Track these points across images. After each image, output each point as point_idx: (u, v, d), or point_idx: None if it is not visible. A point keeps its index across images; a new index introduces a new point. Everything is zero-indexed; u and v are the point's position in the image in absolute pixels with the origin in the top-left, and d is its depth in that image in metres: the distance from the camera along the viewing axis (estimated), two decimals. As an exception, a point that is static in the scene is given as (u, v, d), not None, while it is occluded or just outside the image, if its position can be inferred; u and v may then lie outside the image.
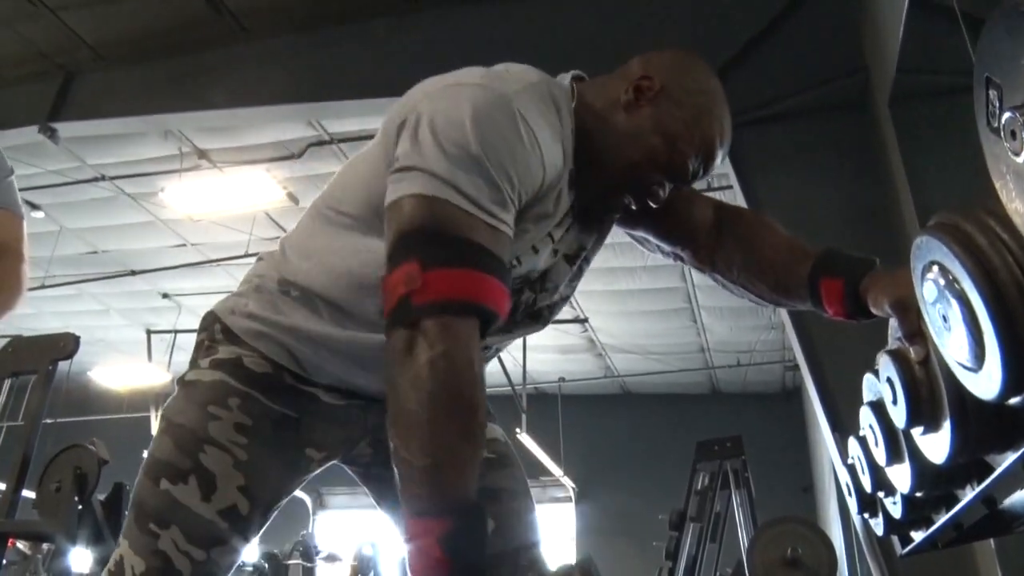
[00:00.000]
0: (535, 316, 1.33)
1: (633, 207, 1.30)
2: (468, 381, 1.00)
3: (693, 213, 1.47)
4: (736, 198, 4.27)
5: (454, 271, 1.02)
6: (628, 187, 1.27)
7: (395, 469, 1.00)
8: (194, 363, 1.31)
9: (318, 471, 1.37)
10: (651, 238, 1.51)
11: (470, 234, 1.04)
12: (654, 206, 1.30)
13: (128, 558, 1.20)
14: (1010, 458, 0.97)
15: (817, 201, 4.02)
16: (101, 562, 3.58)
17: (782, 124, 4.19)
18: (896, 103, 3.69)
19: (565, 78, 1.31)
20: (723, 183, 5.66)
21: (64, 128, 5.59)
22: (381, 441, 1.35)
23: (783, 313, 4.28)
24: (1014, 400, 0.84)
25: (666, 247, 1.50)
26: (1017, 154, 0.65)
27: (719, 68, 4.10)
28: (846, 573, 6.31)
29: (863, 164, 4.05)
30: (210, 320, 1.34)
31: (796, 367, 7.91)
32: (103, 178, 6.61)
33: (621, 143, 1.25)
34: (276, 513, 1.31)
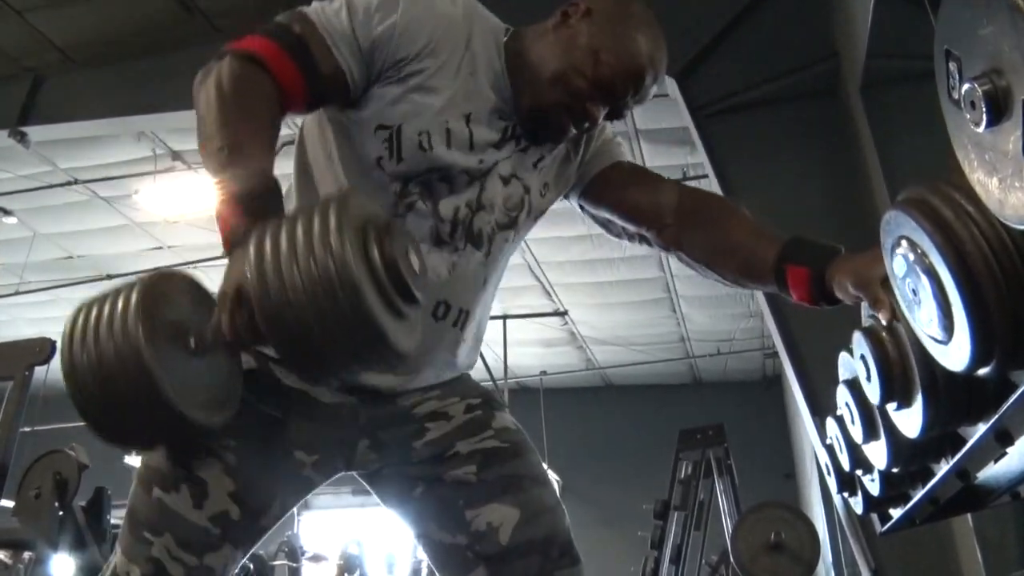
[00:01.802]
0: (475, 241, 1.33)
1: (573, 129, 1.34)
2: (246, 94, 1.17)
3: (657, 195, 1.48)
4: (711, 186, 4.29)
5: (265, 39, 1.22)
6: (560, 104, 1.30)
7: (203, 164, 1.16)
8: None
9: (326, 482, 1.35)
10: (616, 219, 1.51)
11: (302, 33, 1.22)
12: (589, 126, 1.35)
13: (122, 566, 1.21)
14: (981, 430, 0.99)
15: (791, 188, 4.04)
16: (84, 569, 3.55)
17: (755, 112, 4.22)
18: (867, 89, 3.73)
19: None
20: (698, 172, 5.68)
21: (34, 132, 5.52)
22: (382, 442, 1.35)
23: (761, 301, 4.31)
24: (983, 371, 0.86)
25: (631, 228, 1.50)
26: (977, 125, 0.66)
27: (692, 57, 4.13)
28: (829, 556, 6.37)
29: (836, 150, 4.08)
30: None
31: (776, 355, 7.97)
32: (76, 182, 6.54)
33: (547, 59, 1.31)
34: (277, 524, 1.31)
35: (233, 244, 1.04)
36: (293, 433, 1.28)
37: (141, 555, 1.19)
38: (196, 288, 1.10)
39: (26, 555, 3.90)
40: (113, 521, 3.76)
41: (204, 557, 1.20)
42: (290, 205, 1.30)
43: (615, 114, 1.36)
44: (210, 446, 1.21)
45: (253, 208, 1.06)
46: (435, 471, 1.35)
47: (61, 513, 3.55)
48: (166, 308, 1.02)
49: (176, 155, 6.31)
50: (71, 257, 7.90)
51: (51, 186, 6.54)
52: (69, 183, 6.56)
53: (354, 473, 1.41)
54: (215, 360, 1.07)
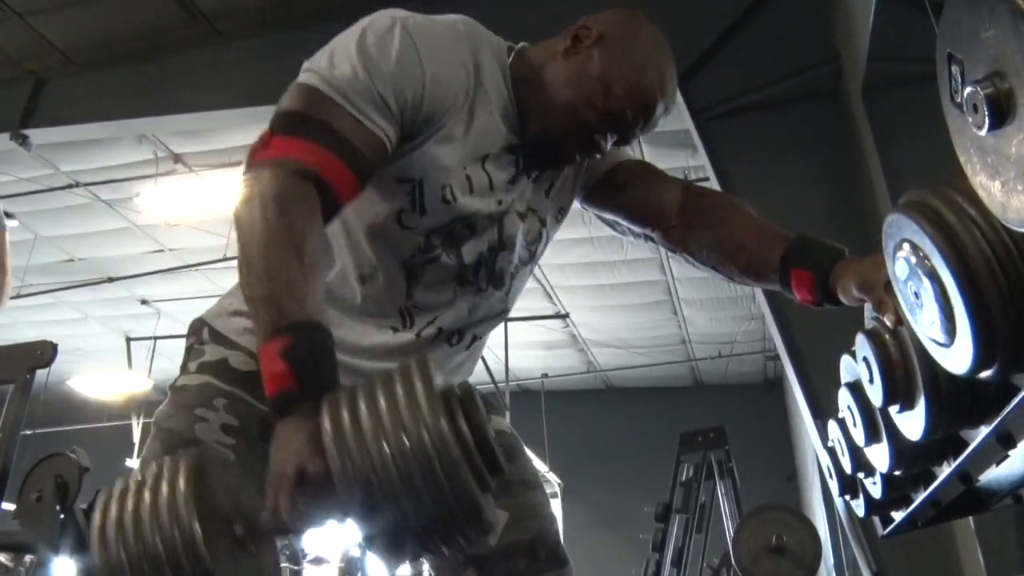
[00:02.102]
0: (497, 281, 1.34)
1: (578, 158, 1.32)
2: (294, 222, 1.06)
3: (663, 194, 1.47)
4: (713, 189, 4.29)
5: (297, 140, 1.11)
6: (569, 134, 1.28)
7: (247, 306, 1.08)
8: (183, 368, 1.33)
9: None
10: (621, 220, 1.51)
11: (326, 117, 1.13)
12: (598, 156, 1.34)
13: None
14: (983, 432, 0.99)
15: (792, 190, 4.04)
16: (85, 572, 3.55)
17: (756, 115, 4.21)
18: (868, 92, 3.72)
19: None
20: (699, 175, 5.68)
21: (36, 135, 5.52)
22: None
23: (763, 303, 4.30)
24: (985, 374, 0.86)
25: (636, 228, 1.51)
26: (979, 128, 0.66)
27: (693, 60, 4.12)
28: (831, 559, 6.37)
29: (837, 153, 4.07)
30: (198, 325, 1.36)
31: (777, 357, 7.96)
32: (77, 185, 6.55)
33: (557, 87, 1.28)
34: None
35: (284, 411, 0.98)
36: None
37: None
38: (234, 467, 1.06)
39: (27, 558, 3.89)
40: (114, 524, 3.75)
41: None
42: None
43: (623, 142, 1.35)
44: (208, 444, 1.21)
45: (308, 371, 0.98)
46: None
47: (62, 516, 3.55)
48: (212, 493, 0.95)
49: (177, 158, 6.31)
50: (72, 260, 7.90)
51: (52, 189, 6.55)
52: (70, 186, 6.56)
53: None
54: (262, 548, 1.00)
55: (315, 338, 1.01)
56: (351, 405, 0.90)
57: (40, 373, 3.15)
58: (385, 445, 0.87)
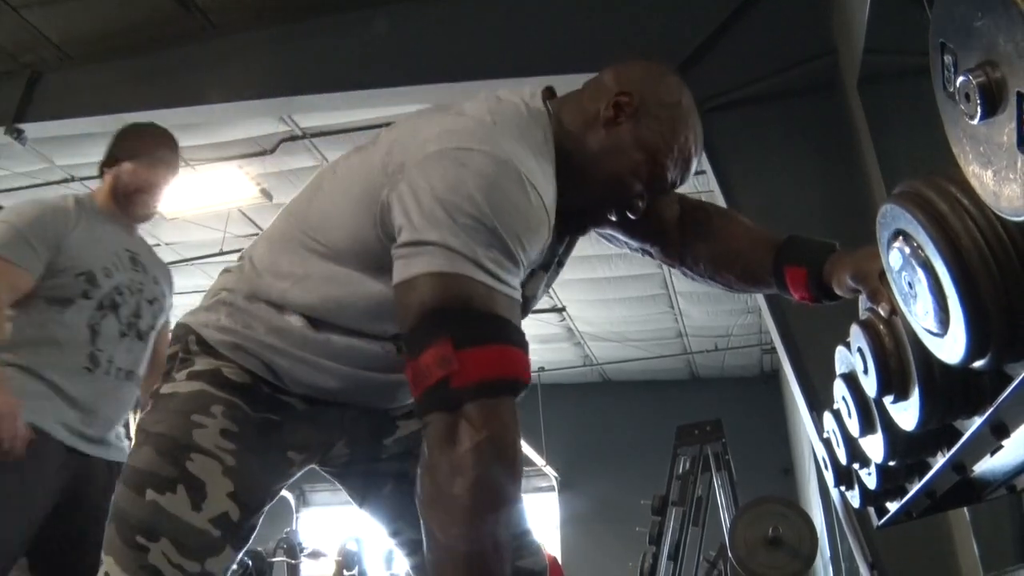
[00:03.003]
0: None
1: (614, 219, 1.32)
2: (512, 468, 0.98)
3: (660, 210, 1.49)
4: (709, 183, 4.29)
5: (488, 349, 1.00)
6: (610, 201, 1.28)
7: (428, 552, 0.98)
8: (168, 376, 1.28)
9: (299, 474, 1.35)
10: (620, 236, 1.54)
11: (495, 309, 1.03)
12: (634, 218, 1.32)
13: (115, 575, 1.16)
14: (977, 423, 0.99)
15: (789, 183, 4.04)
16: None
17: (753, 108, 4.21)
18: (864, 84, 3.72)
19: (536, 96, 1.30)
20: (697, 168, 5.68)
21: (31, 129, 5.50)
22: (358, 441, 1.36)
23: (759, 296, 4.31)
24: (979, 364, 0.86)
25: (634, 244, 1.54)
26: (972, 117, 0.66)
27: (690, 53, 4.12)
28: (827, 551, 6.39)
29: (834, 145, 4.08)
30: (183, 332, 1.31)
31: (773, 350, 7.98)
32: (73, 179, 6.53)
33: (602, 160, 1.26)
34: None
35: None
36: (288, 435, 1.28)
37: (135, 562, 1.14)
38: None
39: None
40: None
41: (206, 562, 1.16)
42: (289, 267, 1.25)
43: (654, 199, 1.35)
44: (208, 449, 1.19)
45: None
46: (403, 467, 1.36)
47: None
48: None
49: (173, 152, 6.30)
50: (69, 254, 7.88)
51: (48, 183, 6.52)
52: (66, 180, 6.54)
53: (319, 468, 1.41)
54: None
55: None
56: None
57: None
58: None
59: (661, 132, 1.27)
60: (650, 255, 1.54)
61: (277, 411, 1.27)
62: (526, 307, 1.32)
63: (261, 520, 1.29)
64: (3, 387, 1.95)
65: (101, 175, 2.46)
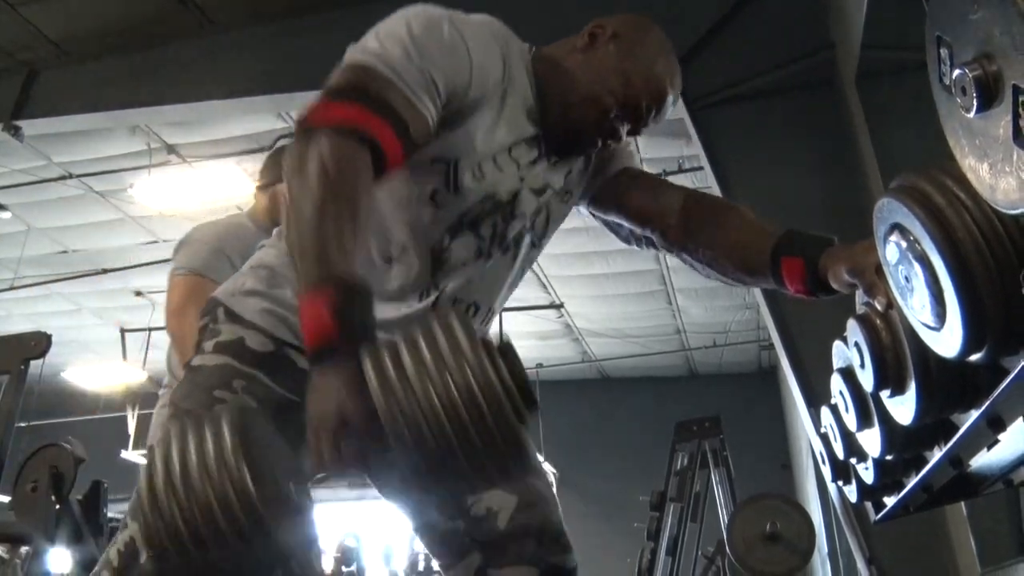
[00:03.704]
0: (505, 246, 1.39)
1: (597, 144, 1.40)
2: (349, 180, 1.11)
3: (664, 197, 1.53)
4: (707, 178, 4.30)
5: (352, 106, 1.16)
6: (589, 120, 1.36)
7: (293, 260, 1.11)
8: (198, 348, 1.33)
9: None
10: (624, 222, 1.56)
11: (381, 92, 1.17)
12: (614, 144, 1.43)
13: (140, 540, 1.17)
14: (973, 416, 0.99)
15: (787, 178, 4.04)
16: (81, 563, 3.55)
17: (751, 103, 4.22)
18: (862, 80, 3.72)
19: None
20: (693, 164, 5.68)
21: (28, 126, 5.50)
22: None
23: (757, 292, 4.31)
24: (975, 357, 0.86)
25: (637, 230, 1.56)
26: (968, 110, 0.66)
27: (688, 49, 4.12)
28: (824, 547, 6.40)
29: (832, 141, 4.08)
30: (212, 305, 1.36)
31: (771, 346, 7.98)
32: (70, 176, 6.52)
33: (578, 79, 1.37)
34: None
35: (323, 359, 1.01)
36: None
37: None
38: (268, 422, 1.08)
39: (23, 550, 3.90)
40: (110, 515, 3.75)
41: None
42: None
43: (635, 131, 1.43)
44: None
45: (351, 322, 1.02)
46: None
47: (58, 507, 3.55)
48: (255, 444, 0.97)
49: (171, 148, 6.29)
50: (66, 251, 7.88)
51: (45, 180, 6.52)
52: (64, 177, 6.54)
53: None
54: (304, 497, 1.03)
55: (359, 292, 1.05)
56: (392, 351, 0.94)
57: (34, 364, 3.15)
58: (428, 380, 0.91)
59: (633, 56, 1.37)
60: (652, 244, 1.56)
61: (299, 388, 1.27)
62: (513, 210, 1.37)
63: None
64: None
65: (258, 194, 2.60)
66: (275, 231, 1.43)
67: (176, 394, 1.30)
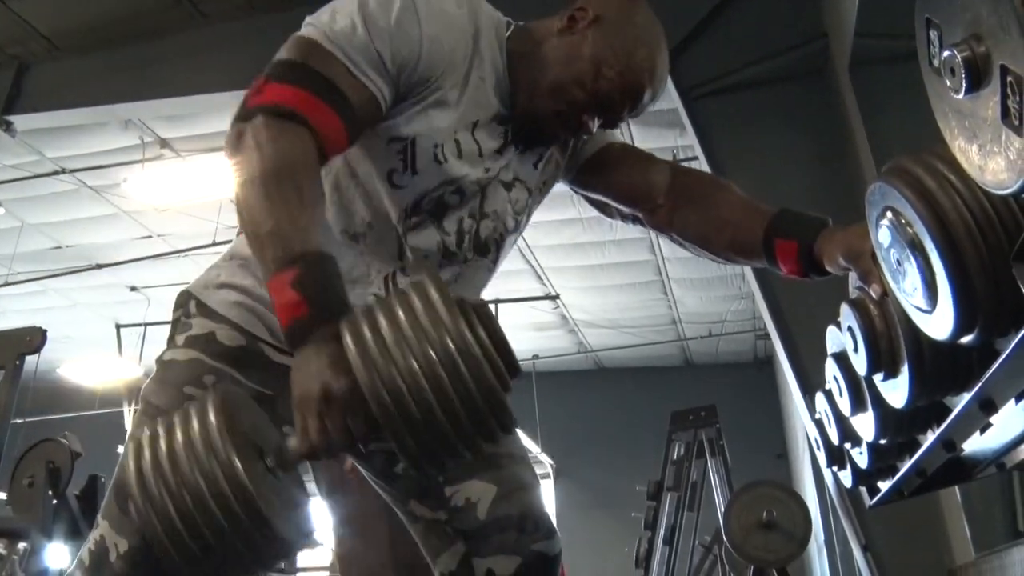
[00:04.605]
0: (482, 249, 1.35)
1: (563, 137, 1.35)
2: (287, 161, 1.09)
3: (651, 174, 1.48)
4: (701, 168, 4.29)
5: (290, 87, 1.13)
6: (556, 112, 1.29)
7: (249, 246, 1.10)
8: (171, 341, 1.32)
9: None
10: (610, 201, 1.53)
11: (323, 69, 1.15)
12: (584, 136, 1.37)
13: (110, 537, 1.19)
14: (965, 399, 1.00)
15: (781, 167, 4.05)
16: (79, 558, 3.56)
17: (744, 93, 4.21)
18: (855, 69, 3.72)
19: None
20: (688, 154, 5.68)
21: (20, 121, 5.47)
22: None
23: (752, 281, 4.31)
24: (967, 339, 0.87)
25: (625, 209, 1.52)
26: (957, 92, 0.67)
27: (681, 39, 4.11)
28: (821, 534, 6.42)
29: (825, 130, 4.08)
30: (185, 297, 1.35)
31: (767, 336, 7.98)
32: (63, 171, 6.49)
33: (549, 65, 1.30)
34: None
35: (300, 339, 1.00)
36: (283, 410, 1.28)
37: (131, 527, 1.16)
38: (253, 403, 1.08)
39: (20, 545, 3.90)
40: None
41: None
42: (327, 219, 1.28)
43: (609, 125, 1.36)
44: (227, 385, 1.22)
45: (320, 298, 1.01)
46: None
47: (55, 502, 3.55)
48: (240, 425, 0.97)
49: (164, 143, 6.27)
50: (60, 247, 7.85)
51: (38, 175, 6.49)
52: (56, 172, 6.51)
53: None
54: (290, 476, 1.02)
55: (323, 266, 1.04)
56: (370, 320, 0.93)
57: (29, 360, 3.15)
58: (409, 351, 0.90)
59: (611, 46, 1.28)
60: (640, 222, 1.52)
61: (272, 382, 1.27)
62: (483, 208, 1.33)
63: None
64: None
65: None
66: None
67: (147, 389, 1.28)
